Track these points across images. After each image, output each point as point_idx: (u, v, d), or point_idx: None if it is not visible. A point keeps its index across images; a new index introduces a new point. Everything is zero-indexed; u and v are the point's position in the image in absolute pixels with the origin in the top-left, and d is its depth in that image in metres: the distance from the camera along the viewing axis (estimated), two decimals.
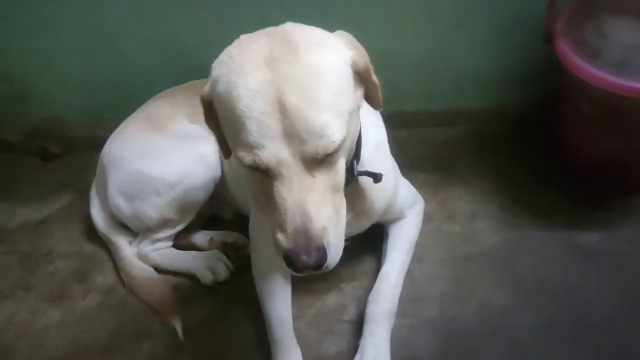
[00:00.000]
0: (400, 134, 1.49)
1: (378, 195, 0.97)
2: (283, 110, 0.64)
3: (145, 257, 1.22)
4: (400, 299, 1.04)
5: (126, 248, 1.25)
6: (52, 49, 1.46)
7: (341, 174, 0.73)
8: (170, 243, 1.25)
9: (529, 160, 1.33)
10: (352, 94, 0.72)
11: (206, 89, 0.73)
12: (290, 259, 0.67)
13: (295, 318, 1.05)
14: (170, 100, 1.24)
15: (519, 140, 1.39)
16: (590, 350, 0.93)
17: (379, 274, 1.06)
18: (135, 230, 1.25)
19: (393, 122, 1.48)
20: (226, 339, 1.08)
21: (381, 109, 0.83)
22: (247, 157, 0.66)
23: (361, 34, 0.78)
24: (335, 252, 0.70)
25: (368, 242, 1.14)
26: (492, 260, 1.12)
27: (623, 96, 0.94)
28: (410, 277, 1.09)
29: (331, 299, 1.11)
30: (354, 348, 0.99)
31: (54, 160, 1.66)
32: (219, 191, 1.22)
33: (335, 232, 0.70)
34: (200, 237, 1.27)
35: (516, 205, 1.23)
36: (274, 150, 0.65)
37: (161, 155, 1.16)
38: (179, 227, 1.22)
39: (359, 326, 1.02)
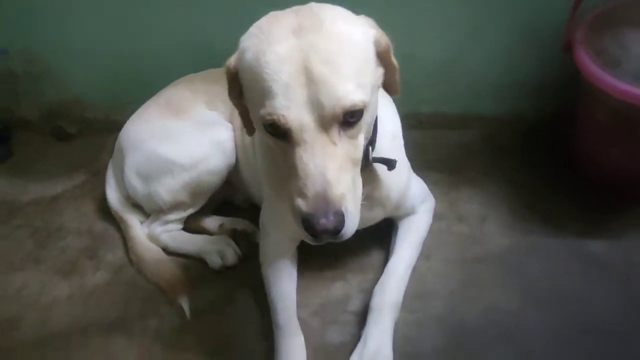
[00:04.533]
0: (414, 135, 1.49)
1: (392, 184, 0.99)
2: (309, 76, 0.67)
3: (155, 238, 1.24)
4: (407, 294, 1.05)
5: (137, 228, 1.26)
6: (73, 30, 1.49)
7: (360, 150, 0.75)
8: (181, 226, 1.26)
9: (541, 168, 1.33)
10: (373, 70, 0.75)
11: (232, 60, 0.76)
12: (309, 223, 0.69)
13: (300, 306, 1.06)
14: (190, 87, 1.26)
15: (532, 148, 1.39)
16: (597, 359, 0.93)
17: (386, 267, 1.07)
18: (147, 211, 1.26)
19: (408, 123, 1.49)
20: (232, 323, 1.09)
21: (398, 95, 0.85)
22: (270, 117, 0.68)
23: None
24: (352, 220, 0.72)
25: (377, 236, 1.15)
26: (501, 264, 1.12)
27: None
28: (418, 273, 1.10)
29: (337, 290, 1.12)
30: (357, 339, 0.99)
31: (69, 140, 1.68)
32: (232, 178, 1.23)
33: (352, 200, 0.72)
34: (211, 222, 1.28)
35: (527, 210, 1.23)
36: (298, 113, 0.68)
37: (178, 138, 1.17)
38: (191, 211, 1.24)
39: (363, 317, 1.03)
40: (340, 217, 0.69)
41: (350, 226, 0.71)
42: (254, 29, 0.74)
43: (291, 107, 0.67)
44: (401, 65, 1.34)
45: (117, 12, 1.42)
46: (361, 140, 0.75)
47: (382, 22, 0.79)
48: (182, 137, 1.17)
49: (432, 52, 1.36)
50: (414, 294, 1.07)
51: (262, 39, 0.71)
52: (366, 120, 0.74)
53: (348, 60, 0.69)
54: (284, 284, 1.06)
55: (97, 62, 1.54)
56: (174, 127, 1.19)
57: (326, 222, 0.68)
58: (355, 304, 1.08)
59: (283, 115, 0.68)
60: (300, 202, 0.69)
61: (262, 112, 0.69)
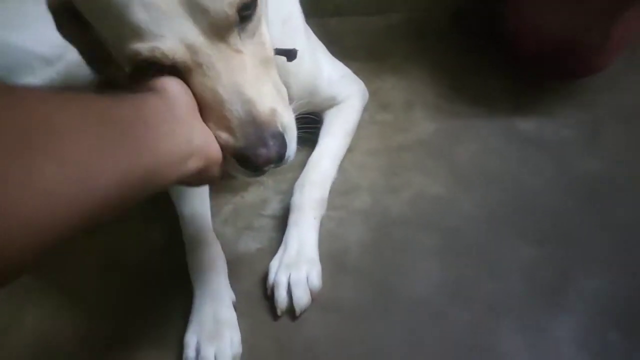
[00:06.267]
0: (331, 23, 1.34)
1: (291, 76, 0.82)
2: None
3: None
4: (329, 191, 0.93)
5: None
6: None
7: (268, 44, 0.57)
8: None
9: (469, 50, 1.22)
10: None
11: None
12: (245, 158, 0.53)
13: (210, 216, 0.92)
14: None
15: (459, 30, 1.28)
16: (532, 238, 0.87)
17: (308, 160, 0.94)
18: None
19: (323, 10, 1.34)
20: (128, 240, 0.92)
21: None
22: (141, 53, 0.48)
23: None
24: (292, 136, 0.57)
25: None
26: (428, 149, 1.02)
27: None
28: (339, 169, 0.98)
29: (251, 195, 0.98)
30: (277, 243, 0.87)
31: None
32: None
33: (286, 112, 0.56)
34: None
35: (454, 93, 1.13)
36: (177, 35, 0.48)
37: (36, 22, 0.92)
38: None
39: (281, 220, 0.91)
40: (281, 140, 0.54)
41: (293, 144, 0.57)
42: None
43: (165, 33, 0.48)
44: None
45: None
46: (265, 32, 0.57)
47: None
48: (40, 20, 0.92)
49: None
50: (336, 191, 0.95)
51: None
52: (261, 10, 0.56)
53: None
54: (194, 191, 0.91)
55: None
56: (30, 9, 0.93)
57: (267, 151, 0.52)
58: (272, 207, 0.95)
59: (157, 48, 0.48)
60: (226, 136, 0.52)
61: (127, 53, 0.49)
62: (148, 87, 0.51)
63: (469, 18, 1.29)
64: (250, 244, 0.90)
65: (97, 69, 0.64)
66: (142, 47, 0.48)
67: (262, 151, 0.52)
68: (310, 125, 0.68)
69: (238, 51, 0.52)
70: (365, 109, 1.10)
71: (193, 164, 0.49)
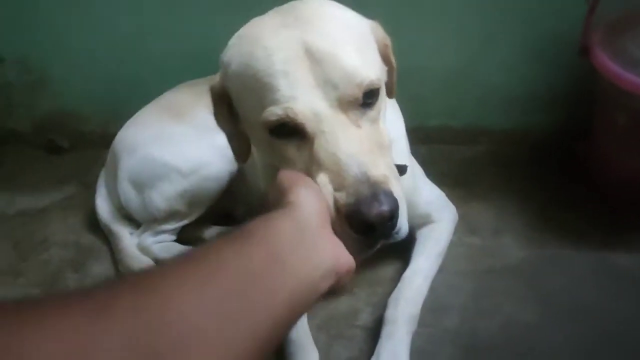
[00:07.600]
0: (421, 149, 1.46)
1: None
2: (311, 57, 0.58)
3: (145, 250, 1.15)
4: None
5: (127, 239, 1.18)
6: (70, 39, 1.45)
7: (385, 136, 0.65)
8: (174, 237, 1.18)
9: (552, 184, 1.28)
10: (377, 56, 0.68)
11: (216, 80, 0.68)
12: (357, 213, 0.54)
13: None
14: (192, 90, 1.20)
15: (541, 164, 1.35)
16: None
17: (402, 277, 1.00)
18: (140, 220, 1.18)
19: (416, 137, 1.46)
20: None
21: (393, 96, 0.77)
22: (275, 113, 0.58)
23: None
24: (404, 210, 0.59)
25: (385, 249, 1.07)
26: (517, 276, 1.05)
27: None
28: (429, 286, 1.02)
29: (343, 304, 1.03)
30: (366, 354, 0.91)
31: (61, 154, 1.62)
32: (234, 187, 1.16)
33: (398, 187, 0.60)
34: (211, 232, 1.20)
35: (542, 224, 1.17)
36: (308, 101, 0.58)
37: (177, 142, 1.11)
38: (186, 221, 1.16)
39: (371, 332, 0.95)
40: (392, 197, 0.56)
41: (404, 218, 0.59)
42: (234, 39, 0.66)
43: (297, 97, 0.57)
44: (411, 76, 1.30)
45: (116, 16, 1.39)
46: (382, 126, 0.66)
47: (392, 31, 0.74)
48: (181, 141, 1.11)
49: (442, 62, 1.33)
50: (426, 307, 0.98)
51: (246, 41, 0.63)
52: (381, 105, 0.65)
53: (349, 36, 0.62)
54: None
55: (95, 70, 1.49)
56: (173, 130, 1.13)
57: (379, 204, 0.54)
58: (363, 318, 1.00)
59: (290, 108, 0.57)
60: (339, 195, 0.56)
61: (264, 115, 0.59)
62: (282, 199, 0.56)
63: (550, 153, 1.36)
64: (341, 352, 0.94)
65: (238, 156, 0.76)
66: (277, 108, 0.57)
67: (374, 204, 0.54)
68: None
69: (358, 126, 0.61)
70: (454, 231, 1.16)
71: (324, 285, 0.49)
